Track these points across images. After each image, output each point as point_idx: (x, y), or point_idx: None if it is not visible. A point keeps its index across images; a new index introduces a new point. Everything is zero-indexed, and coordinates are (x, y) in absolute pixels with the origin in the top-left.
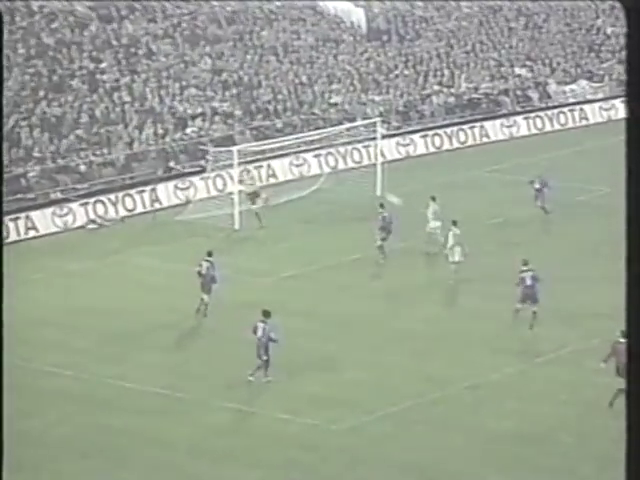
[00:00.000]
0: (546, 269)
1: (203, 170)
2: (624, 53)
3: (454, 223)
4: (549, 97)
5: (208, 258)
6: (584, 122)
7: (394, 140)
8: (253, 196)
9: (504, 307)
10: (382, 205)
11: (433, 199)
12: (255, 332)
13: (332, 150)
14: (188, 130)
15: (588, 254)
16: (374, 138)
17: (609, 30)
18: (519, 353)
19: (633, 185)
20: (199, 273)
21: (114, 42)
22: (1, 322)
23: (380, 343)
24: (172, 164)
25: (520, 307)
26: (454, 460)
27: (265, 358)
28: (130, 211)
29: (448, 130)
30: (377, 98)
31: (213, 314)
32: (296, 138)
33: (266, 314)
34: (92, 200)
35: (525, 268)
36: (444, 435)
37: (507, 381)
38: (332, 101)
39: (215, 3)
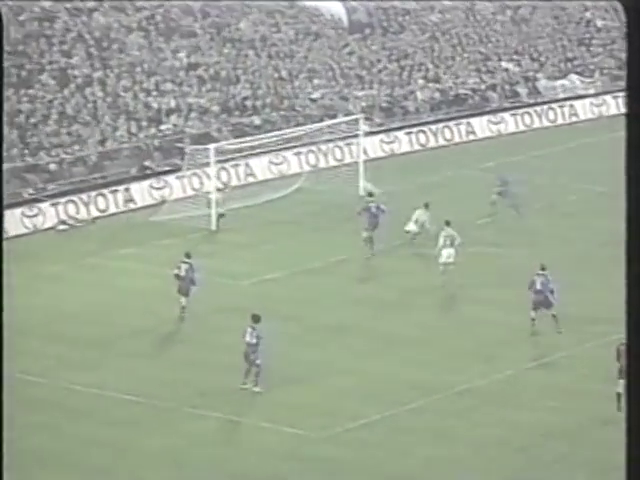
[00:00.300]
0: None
1: (179, 169)
2: (616, 46)
3: (447, 223)
4: (538, 93)
5: (186, 260)
6: (574, 119)
7: (377, 137)
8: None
9: (493, 311)
10: (371, 194)
11: (426, 206)
12: (244, 337)
13: (313, 148)
14: (163, 127)
15: (582, 256)
16: (356, 135)
17: (599, 23)
18: (509, 359)
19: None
20: (177, 276)
21: (85, 35)
22: (1, 321)
23: (365, 349)
24: (147, 162)
25: (534, 315)
26: (441, 470)
27: (258, 363)
28: (103, 212)
29: (433, 127)
30: (359, 94)
31: (191, 319)
32: (275, 135)
33: (255, 319)
34: (63, 200)
35: (540, 272)
36: (431, 444)
37: (496, 388)
38: (313, 97)
39: None
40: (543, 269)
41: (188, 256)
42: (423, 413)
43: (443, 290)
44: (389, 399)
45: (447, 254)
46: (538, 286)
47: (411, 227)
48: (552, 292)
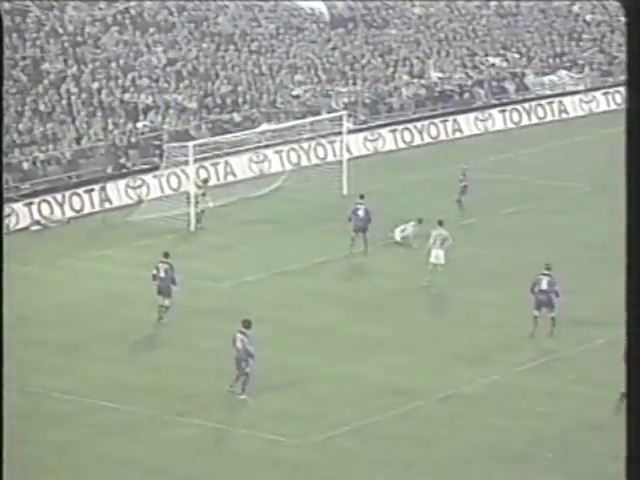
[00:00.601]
0: (526, 272)
1: (156, 167)
2: (606, 41)
3: (440, 223)
4: (526, 89)
5: (165, 260)
6: (564, 115)
7: (361, 135)
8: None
9: (479, 314)
10: (362, 197)
11: (419, 221)
12: (234, 343)
13: (295, 146)
14: (140, 124)
15: (571, 257)
16: (339, 133)
17: (588, 17)
18: (495, 363)
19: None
20: (154, 277)
21: (59, 30)
22: (1, 321)
23: (347, 353)
24: (123, 161)
25: (537, 314)
26: (426, 478)
27: (247, 371)
28: (78, 212)
29: (418, 124)
30: (343, 90)
31: (169, 322)
32: (256, 133)
33: (246, 324)
34: (36, 200)
35: (545, 272)
36: (415, 451)
37: (482, 393)
38: (294, 93)
39: None
40: (548, 269)
41: (166, 256)
42: (407, 419)
43: (428, 291)
44: (372, 405)
45: (435, 255)
46: (544, 286)
47: (396, 235)
48: (557, 294)
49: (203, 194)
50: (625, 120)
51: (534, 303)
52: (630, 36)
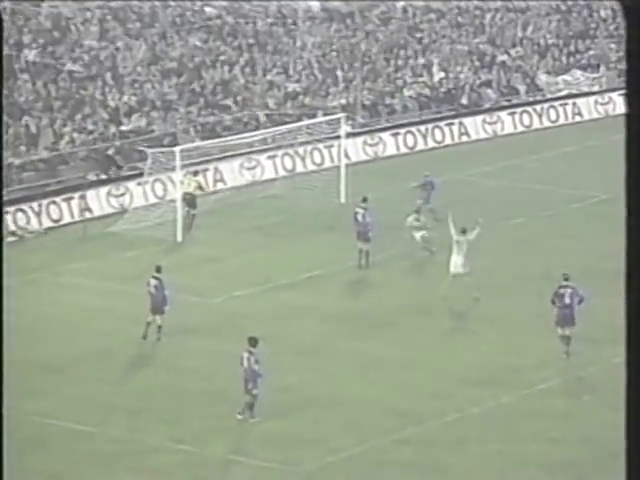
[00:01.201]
0: (537, 287)
1: (140, 174)
2: (624, 39)
3: (463, 231)
4: (538, 89)
5: (156, 274)
6: (578, 118)
7: (360, 139)
8: (191, 198)
9: (487, 330)
10: (365, 200)
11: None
12: (241, 363)
13: (289, 151)
14: (123, 128)
15: (585, 270)
16: (337, 137)
17: (603, 13)
18: (504, 383)
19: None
20: (149, 292)
21: (34, 24)
22: (1, 321)
23: (345, 373)
24: (105, 167)
25: (562, 332)
26: None
27: (254, 393)
28: (56, 221)
29: (422, 127)
30: (341, 90)
31: (154, 341)
32: (248, 137)
33: (252, 342)
34: (11, 209)
35: (565, 284)
36: (417, 479)
37: (491, 416)
38: (289, 93)
39: None
40: (567, 279)
41: (158, 270)
42: (410, 444)
43: (431, 307)
44: (371, 429)
45: (454, 263)
46: (567, 300)
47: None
48: (581, 301)
49: (192, 198)
50: (625, 125)
51: (557, 319)
52: (630, 37)
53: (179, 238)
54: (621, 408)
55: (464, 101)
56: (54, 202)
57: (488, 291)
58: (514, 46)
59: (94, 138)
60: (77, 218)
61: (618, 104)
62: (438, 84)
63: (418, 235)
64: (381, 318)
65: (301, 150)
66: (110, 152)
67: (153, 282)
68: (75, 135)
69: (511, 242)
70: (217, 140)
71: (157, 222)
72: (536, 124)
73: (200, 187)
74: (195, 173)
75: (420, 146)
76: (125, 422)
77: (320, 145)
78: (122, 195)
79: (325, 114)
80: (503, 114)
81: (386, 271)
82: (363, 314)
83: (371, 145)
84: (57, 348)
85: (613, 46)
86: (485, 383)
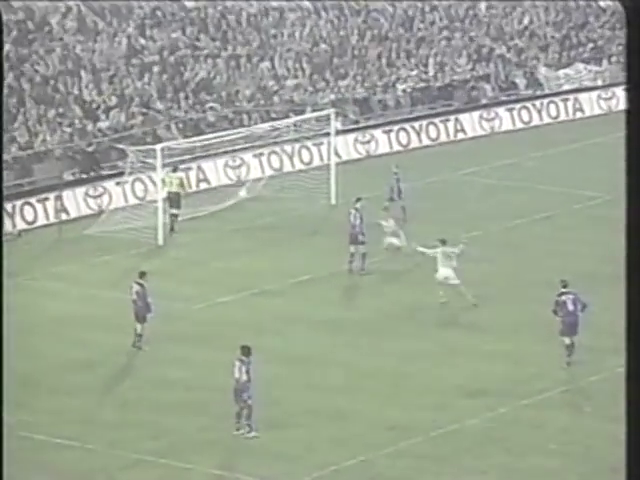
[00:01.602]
0: (536, 293)
1: (120, 173)
2: (625, 31)
3: (442, 242)
4: (538, 84)
5: (139, 280)
6: (579, 114)
7: (351, 136)
8: (176, 197)
9: (483, 338)
10: (359, 199)
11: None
12: (234, 373)
13: (276, 149)
14: (101, 124)
15: (587, 275)
16: (327, 134)
17: (603, 4)
18: (502, 394)
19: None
20: (132, 299)
21: (6, 16)
22: (1, 321)
23: (336, 384)
24: (83, 165)
25: (568, 342)
26: None
27: (249, 403)
28: (30, 223)
29: (416, 124)
30: (330, 84)
31: (132, 350)
32: (232, 134)
33: (245, 351)
34: None
35: (564, 290)
36: None
37: (488, 428)
38: (276, 89)
39: None
40: (565, 286)
41: (141, 276)
42: (403, 458)
43: (423, 315)
44: (363, 442)
45: (445, 275)
46: (570, 306)
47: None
48: (584, 307)
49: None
50: (625, 122)
51: (561, 329)
52: (630, 36)
53: (160, 241)
54: (623, 420)
55: (460, 96)
56: (28, 203)
57: (483, 298)
58: (513, 38)
59: (70, 135)
60: (52, 220)
61: (622, 99)
62: (433, 79)
63: (388, 241)
64: (372, 326)
65: (289, 148)
66: (90, 149)
67: (135, 288)
68: (50, 133)
69: (508, 246)
70: (200, 137)
71: (137, 224)
72: (536, 120)
73: (182, 184)
74: (174, 169)
75: (414, 144)
76: (104, 435)
77: (309, 143)
78: (100, 196)
79: (314, 110)
80: (501, 110)
81: (377, 276)
82: (354, 322)
83: (362, 143)
84: (31, 358)
85: (616, 39)
86: (482, 393)
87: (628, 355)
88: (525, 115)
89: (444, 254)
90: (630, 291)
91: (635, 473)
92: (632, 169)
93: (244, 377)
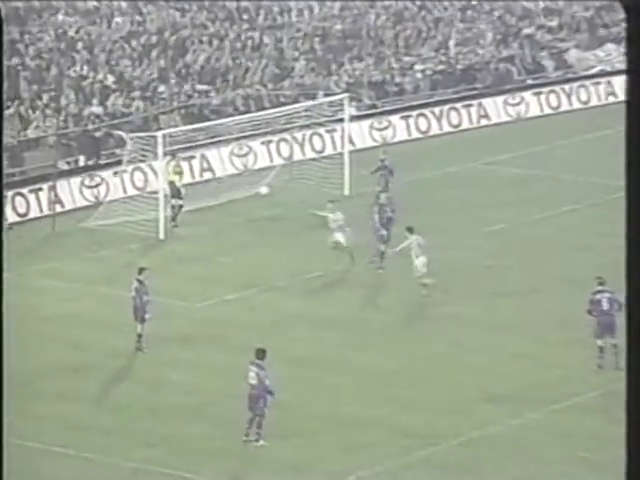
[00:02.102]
0: (562, 289)
1: (118, 162)
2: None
3: (410, 230)
4: (567, 66)
5: (138, 276)
6: (611, 99)
7: (366, 122)
8: (174, 185)
9: (505, 339)
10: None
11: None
12: (247, 378)
13: (286, 136)
14: (98, 110)
15: (619, 272)
16: (340, 120)
17: None
18: (527, 399)
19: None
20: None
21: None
22: (1, 321)
23: (347, 387)
24: (77, 154)
25: (602, 343)
26: None
27: (265, 411)
28: (22, 216)
29: (436, 110)
30: (344, 67)
31: (132, 351)
32: (239, 120)
33: (260, 354)
34: None
35: (600, 288)
36: None
37: (512, 435)
38: (286, 72)
39: None
40: (602, 284)
41: (140, 272)
42: (422, 468)
43: (438, 315)
44: (379, 451)
45: (422, 263)
46: (605, 306)
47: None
48: (621, 307)
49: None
50: (626, 118)
51: (596, 330)
52: (630, 36)
53: (161, 235)
54: None
55: (483, 79)
56: (20, 194)
57: (505, 295)
58: (540, 17)
59: (65, 121)
60: (46, 212)
61: None
62: (454, 60)
63: (334, 239)
64: (384, 325)
65: (299, 135)
66: (97, 134)
67: (134, 285)
68: (44, 119)
69: (534, 239)
70: (204, 124)
71: (137, 217)
72: (565, 106)
73: (179, 172)
74: (173, 156)
75: (434, 130)
76: (99, 442)
77: (321, 129)
78: (97, 186)
79: (326, 94)
80: (527, 94)
81: (388, 272)
82: (364, 321)
83: (378, 129)
84: (21, 359)
85: None
86: (505, 399)
87: (628, 355)
88: (553, 100)
89: (417, 243)
90: (630, 291)
91: (635, 473)
92: (632, 164)
93: (260, 383)
